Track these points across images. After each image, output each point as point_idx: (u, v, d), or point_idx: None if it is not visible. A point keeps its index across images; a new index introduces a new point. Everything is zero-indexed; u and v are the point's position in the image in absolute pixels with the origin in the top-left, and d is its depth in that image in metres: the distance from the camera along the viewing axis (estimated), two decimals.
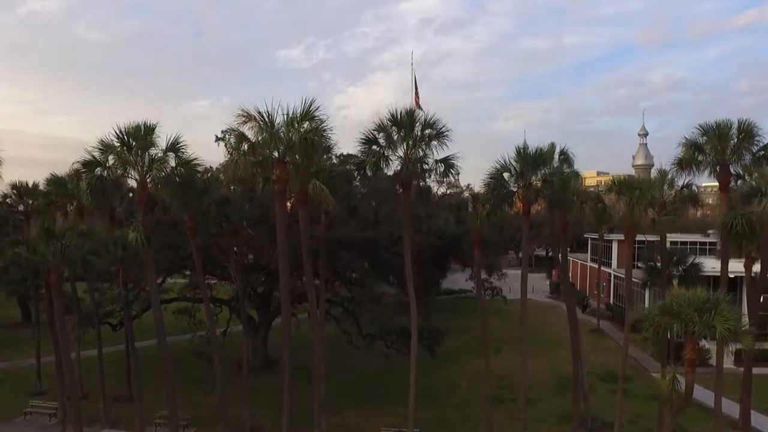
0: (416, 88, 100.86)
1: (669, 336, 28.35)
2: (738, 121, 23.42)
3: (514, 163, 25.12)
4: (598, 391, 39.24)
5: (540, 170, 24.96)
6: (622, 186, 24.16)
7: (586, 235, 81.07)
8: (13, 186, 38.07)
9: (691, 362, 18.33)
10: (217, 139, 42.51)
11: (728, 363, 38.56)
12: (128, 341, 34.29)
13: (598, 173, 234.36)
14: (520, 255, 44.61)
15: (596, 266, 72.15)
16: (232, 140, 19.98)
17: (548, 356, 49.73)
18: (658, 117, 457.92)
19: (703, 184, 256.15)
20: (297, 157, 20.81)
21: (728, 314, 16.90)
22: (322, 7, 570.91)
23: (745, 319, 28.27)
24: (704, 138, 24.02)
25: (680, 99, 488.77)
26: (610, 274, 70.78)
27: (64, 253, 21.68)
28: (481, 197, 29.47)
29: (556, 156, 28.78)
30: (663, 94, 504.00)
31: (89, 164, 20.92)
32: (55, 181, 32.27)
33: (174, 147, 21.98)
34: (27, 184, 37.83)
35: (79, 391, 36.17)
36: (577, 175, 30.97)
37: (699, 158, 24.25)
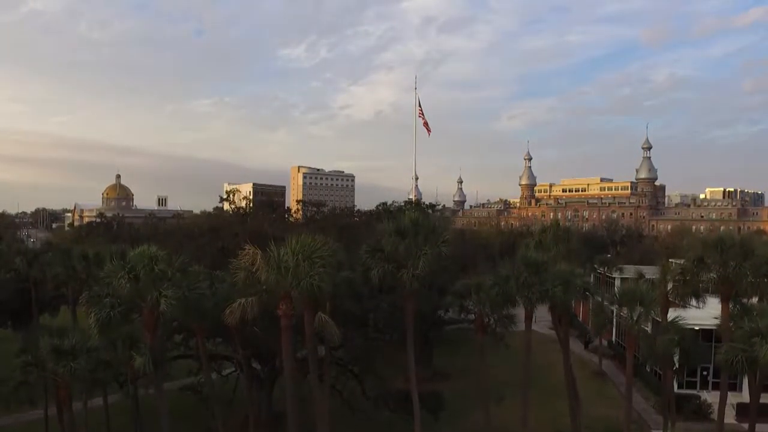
0: (422, 115, 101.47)
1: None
2: (741, 237, 23.63)
3: (518, 270, 25.40)
4: None
5: (543, 277, 25.25)
6: (624, 297, 24.41)
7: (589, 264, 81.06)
8: (20, 252, 38.47)
9: None
10: (222, 200, 43.26)
11: (730, 418, 38.72)
12: (136, 415, 34.84)
13: (602, 179, 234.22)
14: None
15: (599, 299, 72.09)
16: (243, 269, 20.21)
17: (550, 405, 49.78)
18: (661, 116, 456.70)
19: (701, 195, 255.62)
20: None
21: None
22: (325, 6, 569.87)
23: None
24: (707, 251, 24.24)
25: (684, 98, 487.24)
26: (612, 311, 70.78)
27: (74, 373, 22.11)
28: (484, 287, 29.72)
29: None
30: (667, 93, 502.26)
31: (97, 297, 21.24)
32: (62, 261, 32.60)
33: (181, 267, 22.27)
34: (35, 254, 38.18)
35: None
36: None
37: (701, 270, 24.47)
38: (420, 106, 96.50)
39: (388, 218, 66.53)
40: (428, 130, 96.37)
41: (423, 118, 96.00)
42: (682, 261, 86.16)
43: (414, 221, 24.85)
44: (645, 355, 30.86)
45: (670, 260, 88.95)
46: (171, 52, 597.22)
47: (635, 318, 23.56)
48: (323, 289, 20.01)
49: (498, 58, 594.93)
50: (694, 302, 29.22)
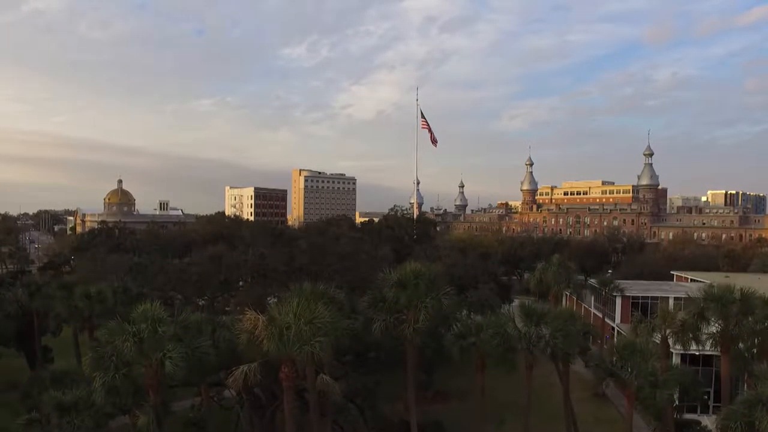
0: (427, 126, 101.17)
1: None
2: (741, 291, 23.71)
3: (518, 319, 25.56)
4: None
5: (543, 326, 25.39)
6: (624, 351, 24.48)
7: (590, 281, 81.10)
8: (24, 285, 38.70)
9: None
10: (226, 223, 43.33)
11: None
12: None
13: (603, 182, 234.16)
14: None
15: (600, 315, 72.22)
16: (242, 338, 20.39)
17: (549, 430, 49.69)
18: (663, 116, 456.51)
19: (703, 198, 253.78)
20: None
21: None
22: (326, 5, 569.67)
23: None
24: (706, 304, 24.31)
25: (687, 97, 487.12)
26: (613, 328, 70.88)
27: (77, 430, 22.33)
28: (485, 331, 29.78)
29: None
30: (669, 92, 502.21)
31: (101, 358, 21.40)
32: (64, 301, 32.72)
33: (184, 324, 22.41)
34: (37, 286, 38.40)
35: None
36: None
37: (701, 325, 24.56)
38: (424, 117, 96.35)
39: (391, 229, 65.78)
40: (434, 142, 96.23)
41: (428, 130, 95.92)
42: (683, 274, 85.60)
43: (415, 272, 25.00)
44: (645, 403, 30.91)
45: (672, 273, 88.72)
46: (172, 51, 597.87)
47: (633, 373, 23.62)
48: (324, 358, 20.14)
49: (499, 57, 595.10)
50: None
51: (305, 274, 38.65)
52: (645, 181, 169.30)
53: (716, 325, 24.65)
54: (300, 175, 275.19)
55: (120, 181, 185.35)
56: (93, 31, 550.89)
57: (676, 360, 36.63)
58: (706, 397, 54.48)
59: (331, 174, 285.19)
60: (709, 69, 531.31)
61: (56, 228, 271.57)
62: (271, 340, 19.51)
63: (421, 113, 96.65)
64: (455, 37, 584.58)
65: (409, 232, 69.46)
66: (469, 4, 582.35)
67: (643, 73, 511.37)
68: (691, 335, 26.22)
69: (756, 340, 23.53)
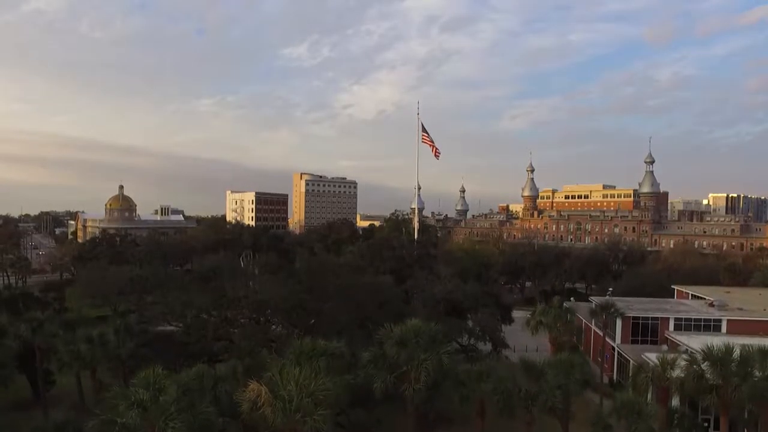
0: (428, 139, 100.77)
1: None
2: (740, 350, 23.87)
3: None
4: None
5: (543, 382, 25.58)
6: (623, 407, 24.67)
7: (591, 299, 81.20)
8: (27, 320, 38.90)
9: None
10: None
11: None
12: None
13: (604, 186, 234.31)
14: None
15: (600, 333, 72.25)
16: (245, 407, 20.63)
17: None
18: (665, 115, 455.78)
19: (704, 201, 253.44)
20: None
21: None
22: (327, 5, 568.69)
23: None
24: (706, 364, 24.47)
25: (688, 97, 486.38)
26: (613, 347, 70.94)
27: None
28: (484, 380, 29.93)
29: None
30: (671, 92, 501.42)
31: (108, 423, 21.56)
32: (66, 343, 32.87)
33: (186, 387, 22.58)
34: (40, 322, 38.56)
35: None
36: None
37: (701, 384, 24.71)
38: (425, 131, 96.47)
39: (392, 249, 65.84)
40: (436, 155, 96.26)
41: (430, 143, 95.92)
42: (684, 289, 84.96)
43: (415, 330, 25.20)
44: None
45: (673, 287, 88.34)
46: (172, 51, 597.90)
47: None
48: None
49: (500, 57, 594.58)
50: None
51: (306, 311, 38.86)
52: (646, 189, 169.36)
53: (716, 382, 24.81)
54: (301, 179, 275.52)
55: (121, 187, 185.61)
56: (93, 31, 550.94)
57: (675, 401, 36.82)
58: (706, 424, 54.66)
59: (332, 178, 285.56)
60: (711, 69, 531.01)
61: (57, 231, 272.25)
62: (275, 414, 19.74)
63: (423, 127, 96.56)
64: (456, 37, 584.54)
65: (410, 252, 69.57)
66: (470, 4, 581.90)
67: (644, 73, 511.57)
68: (690, 391, 26.33)
69: (752, 408, 23.64)
